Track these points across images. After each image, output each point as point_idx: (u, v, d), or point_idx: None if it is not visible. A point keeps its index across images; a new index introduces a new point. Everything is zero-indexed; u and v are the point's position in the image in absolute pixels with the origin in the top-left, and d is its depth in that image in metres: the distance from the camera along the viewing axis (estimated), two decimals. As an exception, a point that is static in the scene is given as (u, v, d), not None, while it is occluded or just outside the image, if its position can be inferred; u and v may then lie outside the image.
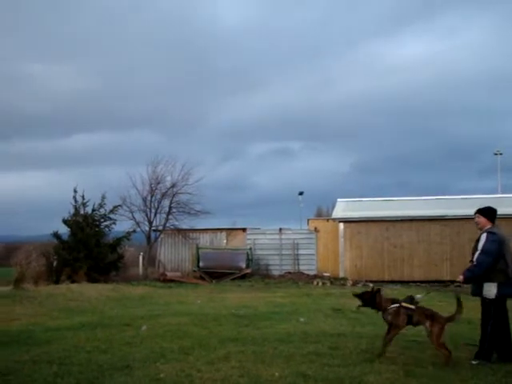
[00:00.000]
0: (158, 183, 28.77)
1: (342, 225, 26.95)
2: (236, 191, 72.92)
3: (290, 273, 27.04)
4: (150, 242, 28.83)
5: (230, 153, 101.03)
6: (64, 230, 24.60)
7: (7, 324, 11.48)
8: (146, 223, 28.63)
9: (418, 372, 6.82)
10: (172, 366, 7.10)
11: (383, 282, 24.58)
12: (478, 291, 7.59)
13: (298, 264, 27.75)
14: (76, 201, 24.63)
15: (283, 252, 28.09)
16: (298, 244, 27.97)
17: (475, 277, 7.49)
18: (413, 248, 26.20)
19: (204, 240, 29.16)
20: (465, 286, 7.96)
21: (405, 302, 7.67)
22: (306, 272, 26.94)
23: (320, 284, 23.70)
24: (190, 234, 29.11)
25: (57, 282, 21.90)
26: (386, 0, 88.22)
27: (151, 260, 29.35)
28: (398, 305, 7.57)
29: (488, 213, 7.88)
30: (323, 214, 46.26)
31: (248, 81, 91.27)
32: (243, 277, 25.96)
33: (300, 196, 35.89)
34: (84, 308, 14.81)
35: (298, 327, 10.81)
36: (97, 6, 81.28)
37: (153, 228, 28.89)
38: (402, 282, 24.71)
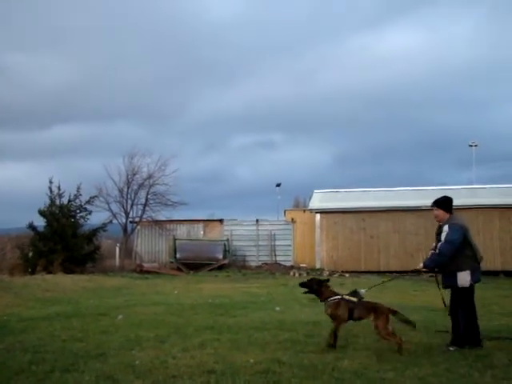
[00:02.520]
0: (135, 174, 28.69)
1: (318, 216, 27.05)
2: (215, 183, 72.74)
3: (266, 264, 27.19)
4: (127, 233, 28.72)
5: (210, 145, 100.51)
6: (39, 222, 24.43)
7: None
8: (123, 214, 28.57)
9: (390, 357, 6.92)
10: (147, 354, 7.12)
11: (360, 272, 24.82)
12: (452, 282, 7.65)
13: (275, 255, 27.88)
14: (51, 191, 24.47)
15: (260, 243, 28.22)
16: (274, 235, 28.10)
17: (436, 265, 7.63)
18: (389, 238, 26.43)
19: (181, 231, 29.11)
20: (424, 275, 8.05)
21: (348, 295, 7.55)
22: (282, 263, 27.13)
23: (297, 275, 23.85)
24: (167, 226, 29.06)
25: (32, 273, 21.70)
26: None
27: (128, 251, 29.25)
28: (339, 297, 7.49)
29: (444, 204, 7.90)
30: (300, 205, 46.35)
31: (230, 73, 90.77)
32: (220, 268, 26.04)
33: (277, 188, 35.94)
34: (59, 298, 14.72)
35: (274, 316, 10.88)
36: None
37: (129, 219, 28.80)
38: (378, 273, 24.91)
